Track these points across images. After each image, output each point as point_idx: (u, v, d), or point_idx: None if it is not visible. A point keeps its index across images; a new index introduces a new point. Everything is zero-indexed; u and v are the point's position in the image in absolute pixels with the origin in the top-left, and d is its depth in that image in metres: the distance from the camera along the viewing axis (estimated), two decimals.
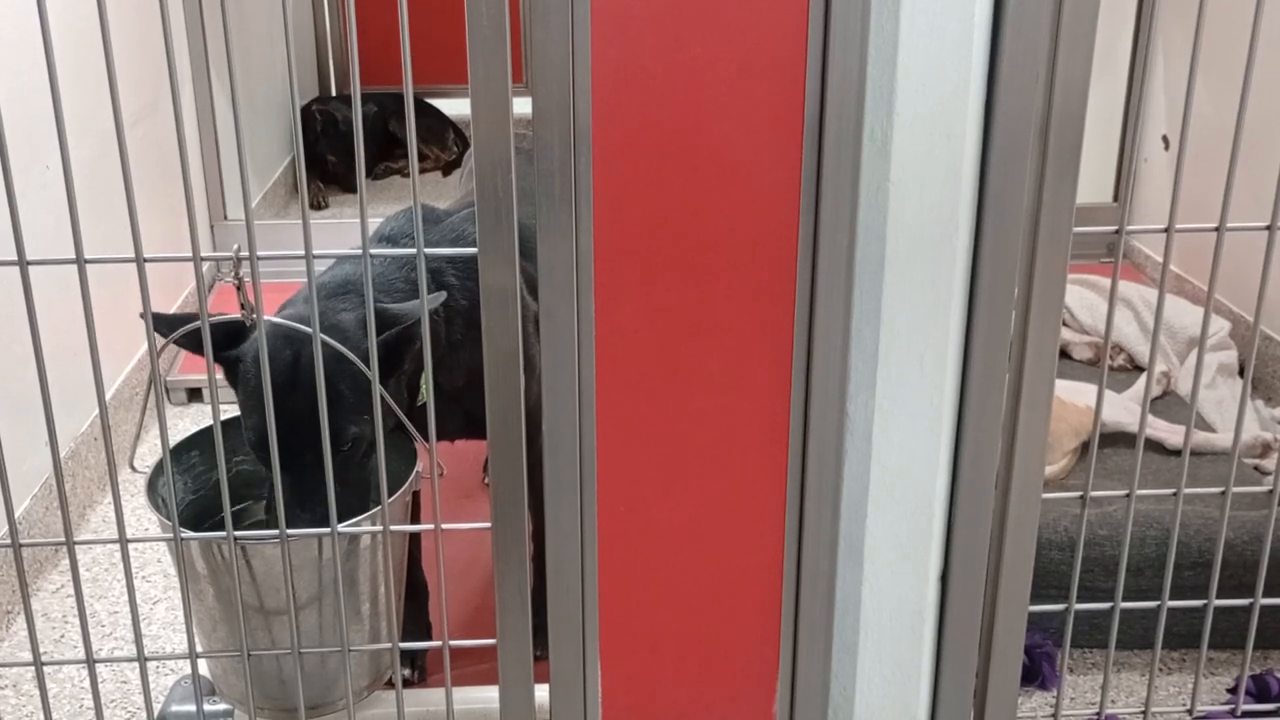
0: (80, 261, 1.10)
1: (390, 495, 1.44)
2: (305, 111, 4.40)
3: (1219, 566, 1.33)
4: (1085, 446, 2.20)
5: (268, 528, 1.49)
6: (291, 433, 1.32)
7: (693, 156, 1.12)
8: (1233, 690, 1.87)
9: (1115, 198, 3.49)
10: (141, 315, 1.19)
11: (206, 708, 1.57)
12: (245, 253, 1.14)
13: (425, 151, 4.48)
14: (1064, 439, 2.18)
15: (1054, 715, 1.36)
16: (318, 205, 4.22)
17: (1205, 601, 1.34)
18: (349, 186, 4.36)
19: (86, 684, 1.90)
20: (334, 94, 4.91)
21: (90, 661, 1.24)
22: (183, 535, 1.28)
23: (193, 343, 1.38)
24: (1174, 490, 1.28)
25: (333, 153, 4.34)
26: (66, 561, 2.22)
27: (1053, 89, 1.09)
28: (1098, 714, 1.36)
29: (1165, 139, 3.29)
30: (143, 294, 1.12)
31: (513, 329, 1.14)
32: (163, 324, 1.40)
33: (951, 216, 1.14)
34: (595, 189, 1.12)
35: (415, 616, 1.87)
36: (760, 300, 1.17)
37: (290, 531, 1.22)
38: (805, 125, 1.11)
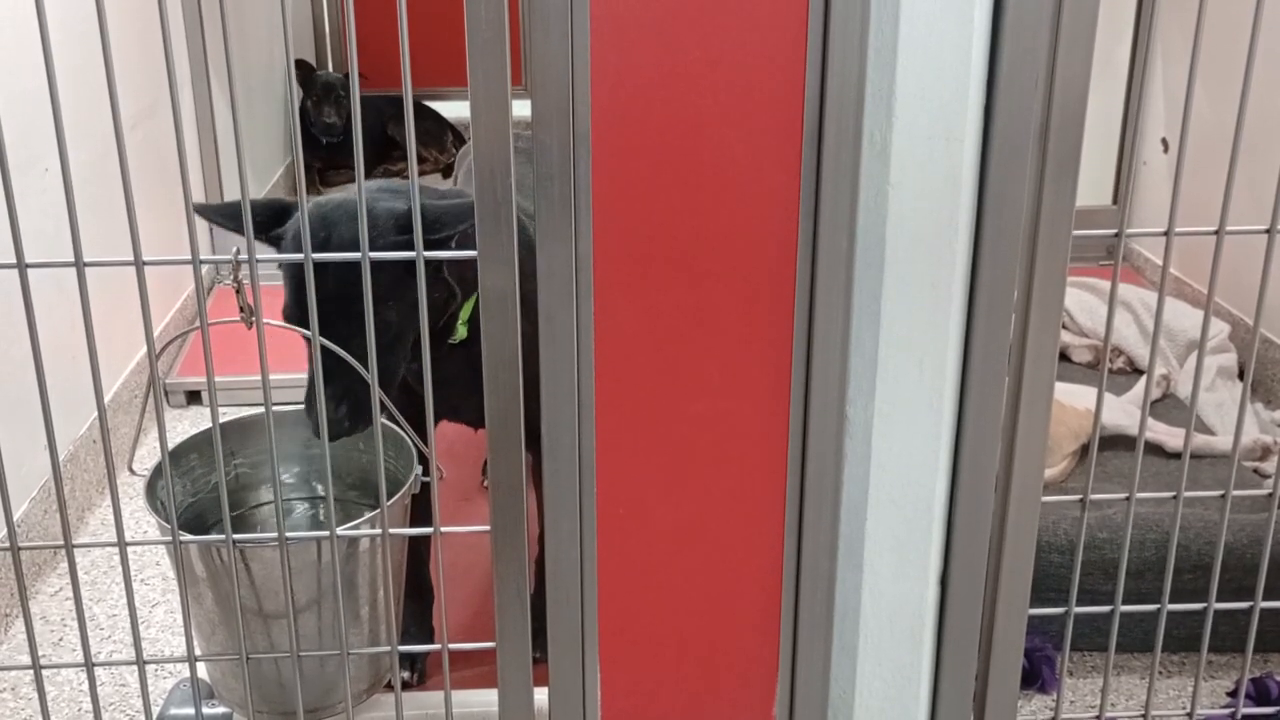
0: (79, 264, 1.10)
1: (389, 498, 1.43)
2: (304, 82, 4.37)
3: (1219, 570, 1.32)
4: (1085, 449, 2.20)
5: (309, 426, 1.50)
6: (321, 314, 1.31)
7: (692, 160, 1.12)
8: (1233, 693, 1.87)
9: (1115, 200, 3.49)
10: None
11: (205, 711, 1.57)
12: (244, 256, 1.14)
13: (424, 154, 4.48)
14: (1063, 442, 2.18)
15: (1054, 718, 1.36)
16: None
17: (1205, 605, 1.34)
18: (344, 164, 4.35)
19: (85, 687, 1.89)
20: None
21: (89, 665, 1.24)
22: (181, 538, 1.28)
23: (237, 224, 1.40)
24: (1174, 493, 1.28)
25: (330, 126, 4.31)
26: (65, 564, 2.21)
27: (1052, 92, 1.09)
28: (1097, 717, 1.36)
29: (1164, 141, 3.29)
30: (142, 297, 1.12)
31: (512, 330, 1.14)
32: (210, 212, 1.42)
33: (951, 220, 1.14)
34: (594, 192, 1.12)
35: (420, 618, 1.87)
36: (760, 303, 1.17)
37: (289, 535, 1.22)
38: (805, 129, 1.11)
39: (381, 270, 1.39)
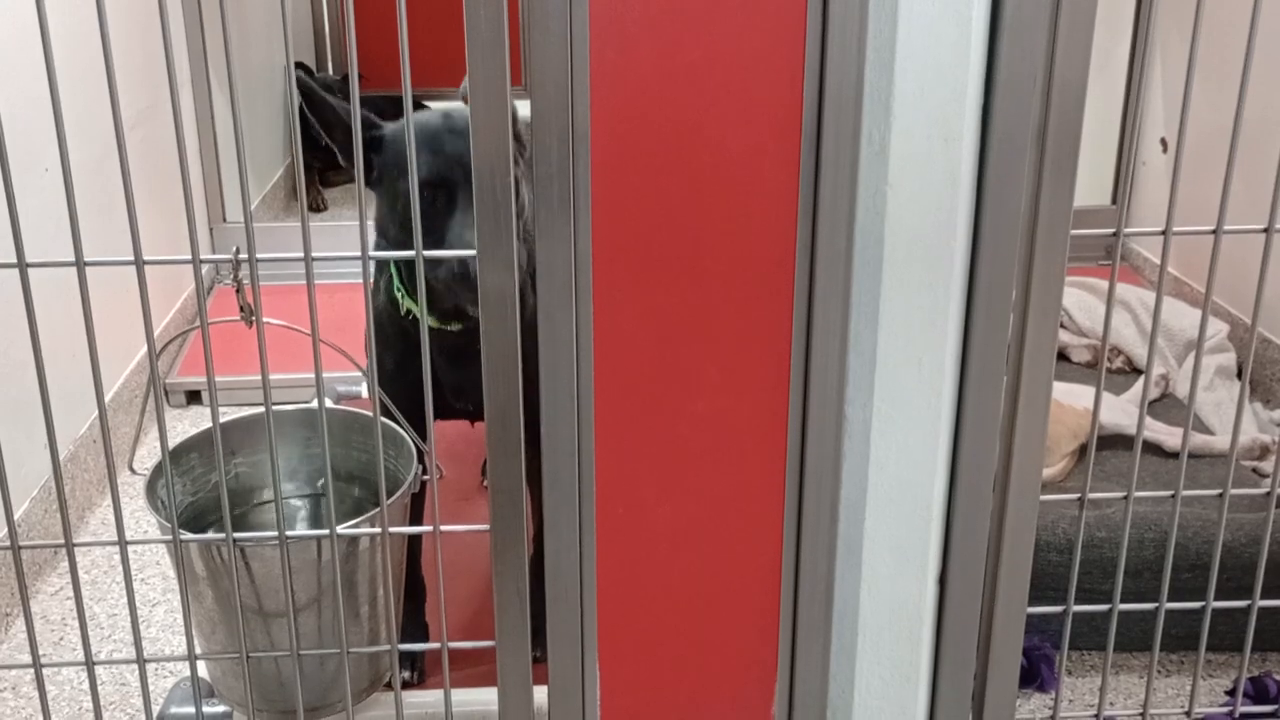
0: (79, 264, 1.10)
1: (389, 497, 1.43)
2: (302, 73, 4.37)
3: (1217, 568, 1.33)
4: (1084, 449, 2.20)
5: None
6: (448, 213, 1.37)
7: (691, 160, 1.12)
8: (1231, 692, 1.87)
9: (1114, 200, 3.49)
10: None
11: (206, 710, 1.57)
12: (244, 255, 1.14)
13: None
14: (1062, 441, 2.18)
15: (1052, 717, 1.36)
16: (316, 207, 4.22)
17: (1203, 604, 1.34)
18: (346, 171, 4.34)
19: (86, 686, 1.90)
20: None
21: (89, 664, 1.25)
22: (182, 537, 1.28)
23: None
24: (1172, 492, 1.28)
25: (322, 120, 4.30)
26: (66, 564, 2.22)
27: (1050, 92, 1.09)
28: (1096, 716, 1.36)
29: (1163, 141, 3.29)
30: (142, 297, 1.12)
31: (511, 330, 1.14)
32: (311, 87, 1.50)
33: (949, 220, 1.14)
34: (594, 192, 1.12)
35: (413, 616, 1.87)
36: (759, 303, 1.17)
37: (289, 533, 1.22)
38: (803, 129, 1.11)
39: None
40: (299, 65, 4.35)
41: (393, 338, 1.73)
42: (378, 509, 1.28)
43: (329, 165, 4.41)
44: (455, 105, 1.62)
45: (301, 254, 1.12)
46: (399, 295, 1.70)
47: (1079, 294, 2.79)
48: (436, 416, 1.65)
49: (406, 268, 1.68)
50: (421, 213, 1.12)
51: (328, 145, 4.85)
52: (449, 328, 1.66)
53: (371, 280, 1.58)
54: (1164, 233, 1.18)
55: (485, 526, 1.22)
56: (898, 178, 1.13)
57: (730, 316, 1.18)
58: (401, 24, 1.04)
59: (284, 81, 4.42)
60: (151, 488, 1.48)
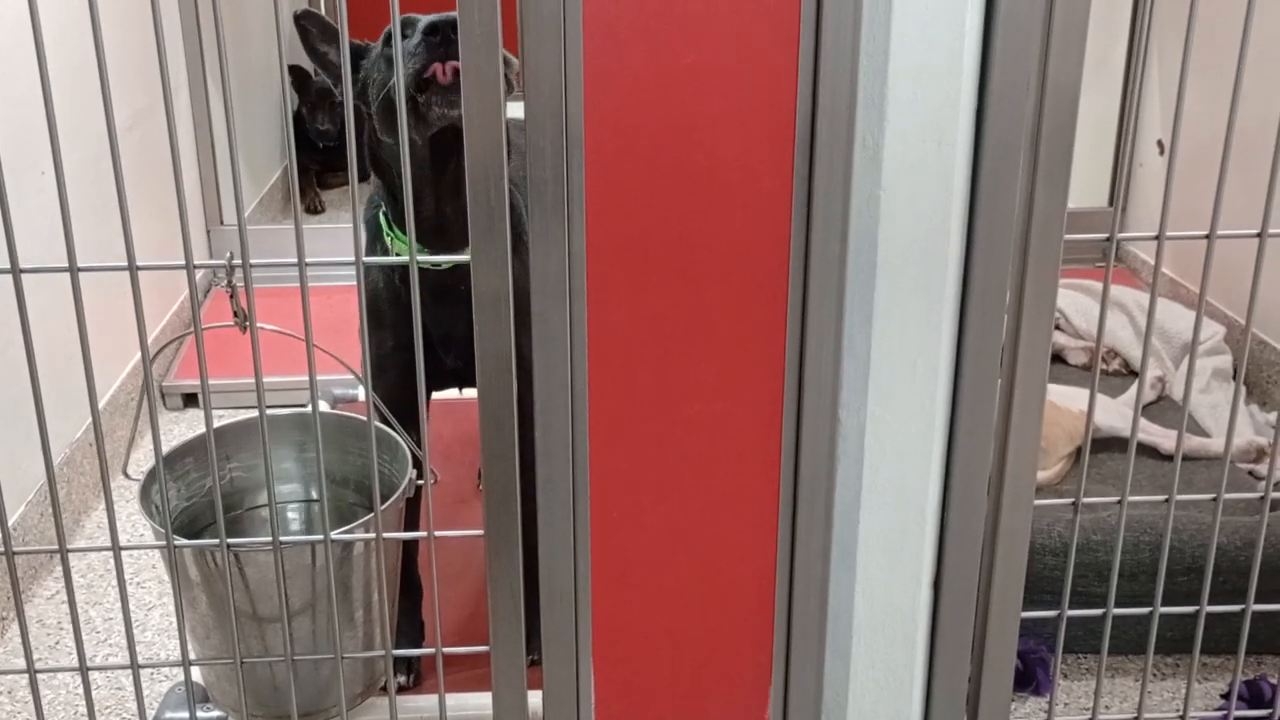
0: (73, 270, 1.10)
1: (384, 502, 1.44)
2: (299, 87, 4.37)
3: (1211, 572, 1.33)
4: (1079, 451, 2.20)
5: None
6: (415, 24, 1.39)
7: (685, 163, 1.12)
8: (1226, 696, 1.87)
9: (1111, 202, 3.50)
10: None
11: (200, 715, 1.57)
12: (238, 260, 1.14)
13: None
14: (1058, 444, 2.18)
15: None
16: (314, 209, 4.22)
17: (1198, 607, 1.34)
18: (340, 167, 4.35)
19: (81, 691, 1.89)
20: None
21: (84, 669, 1.24)
22: (176, 542, 1.28)
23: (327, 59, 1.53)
24: (1167, 496, 1.28)
25: (323, 133, 4.30)
26: (61, 568, 2.22)
27: (1044, 96, 1.10)
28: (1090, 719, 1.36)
29: (1160, 144, 3.29)
30: (135, 302, 1.12)
31: (505, 333, 1.14)
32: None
33: (943, 223, 1.14)
34: (588, 195, 1.12)
35: (409, 615, 1.87)
36: (753, 306, 1.17)
37: (283, 539, 1.22)
38: (797, 132, 1.11)
39: None
40: (294, 69, 4.35)
41: (386, 308, 1.72)
42: (372, 514, 1.28)
43: (326, 167, 4.41)
44: None
45: (295, 259, 1.12)
46: (389, 241, 1.69)
47: (1075, 296, 2.79)
48: (429, 386, 1.64)
49: (393, 206, 1.68)
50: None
51: (325, 147, 4.84)
52: (438, 266, 1.64)
53: (366, 277, 1.58)
54: (1157, 237, 1.18)
55: (479, 532, 1.21)
56: (892, 181, 1.13)
57: (725, 319, 1.18)
58: (396, 26, 1.04)
59: (279, 83, 4.42)
60: (146, 492, 1.48)
